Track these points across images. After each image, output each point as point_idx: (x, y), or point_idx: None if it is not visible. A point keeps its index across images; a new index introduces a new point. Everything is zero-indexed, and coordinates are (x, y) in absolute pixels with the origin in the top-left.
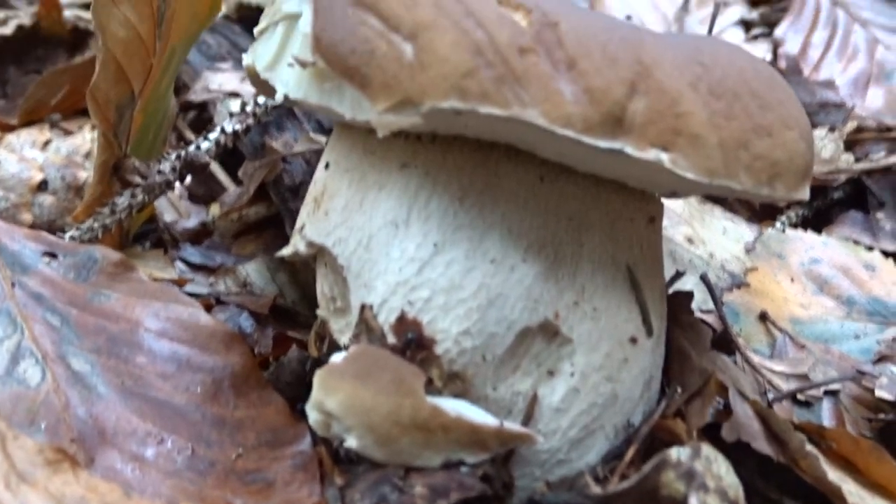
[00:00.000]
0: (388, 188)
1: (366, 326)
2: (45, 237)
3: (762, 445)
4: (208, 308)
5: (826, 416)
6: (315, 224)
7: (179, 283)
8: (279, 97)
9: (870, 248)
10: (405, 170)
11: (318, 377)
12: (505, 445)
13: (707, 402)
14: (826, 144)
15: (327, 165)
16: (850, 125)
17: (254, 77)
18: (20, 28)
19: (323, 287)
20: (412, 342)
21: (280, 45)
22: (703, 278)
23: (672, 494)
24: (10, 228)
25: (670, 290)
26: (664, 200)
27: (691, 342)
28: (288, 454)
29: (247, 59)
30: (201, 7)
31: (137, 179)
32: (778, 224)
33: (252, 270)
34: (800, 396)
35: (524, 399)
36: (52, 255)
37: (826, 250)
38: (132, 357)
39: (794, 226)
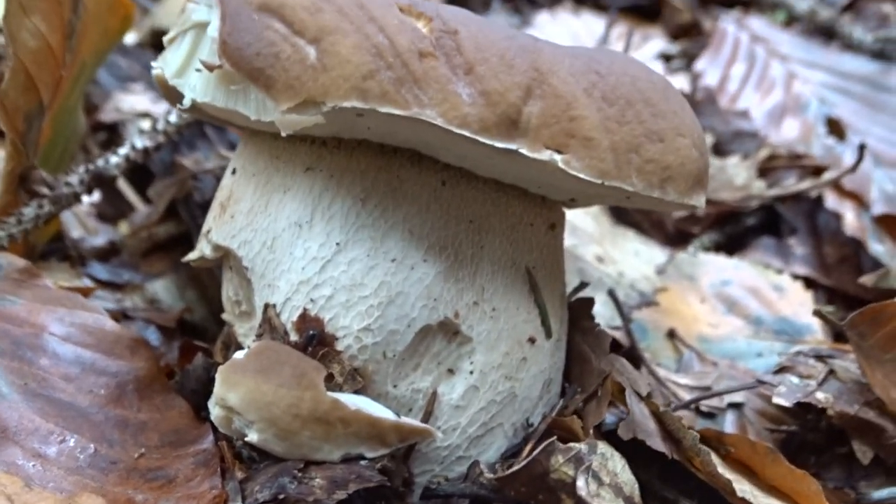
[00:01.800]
0: (293, 191)
1: (269, 325)
2: None
3: (657, 443)
4: (115, 319)
5: (729, 426)
6: (221, 227)
7: (85, 291)
8: (187, 102)
9: (780, 272)
10: (310, 173)
11: (220, 373)
12: (404, 440)
13: (603, 401)
14: (739, 172)
15: (234, 171)
16: (763, 153)
17: (163, 85)
18: None
19: (228, 291)
20: (314, 339)
21: (189, 52)
22: (611, 294)
23: (561, 478)
24: None
25: (573, 299)
26: (577, 221)
27: (591, 346)
28: (190, 452)
29: (156, 67)
30: (112, 22)
31: (45, 190)
32: (691, 248)
33: (160, 288)
34: (704, 408)
35: (424, 396)
36: None
37: (737, 273)
38: (36, 360)
39: (707, 250)
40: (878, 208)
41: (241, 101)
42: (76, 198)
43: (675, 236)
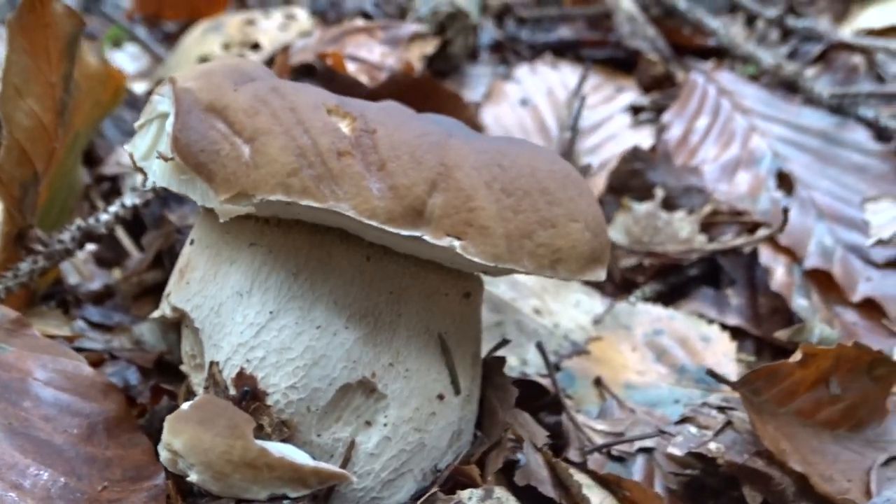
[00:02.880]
0: (238, 263)
1: (213, 380)
2: None
3: (548, 490)
4: (101, 362)
5: (638, 470)
6: (178, 292)
7: (71, 339)
8: (149, 184)
9: (711, 322)
10: (252, 248)
11: (168, 421)
12: (323, 483)
13: (502, 451)
14: (684, 226)
15: (192, 241)
16: (707, 209)
17: (134, 164)
18: None
19: (185, 346)
20: (247, 394)
21: (153, 139)
22: (539, 346)
23: None
24: None
25: (489, 356)
26: (520, 277)
27: (499, 400)
28: (145, 487)
29: (128, 148)
30: (104, 96)
31: (39, 247)
32: (632, 298)
33: (146, 330)
34: (615, 452)
35: (344, 444)
36: None
37: (670, 322)
38: (20, 402)
39: (648, 299)
40: (812, 262)
41: (190, 189)
42: (68, 253)
43: (622, 285)
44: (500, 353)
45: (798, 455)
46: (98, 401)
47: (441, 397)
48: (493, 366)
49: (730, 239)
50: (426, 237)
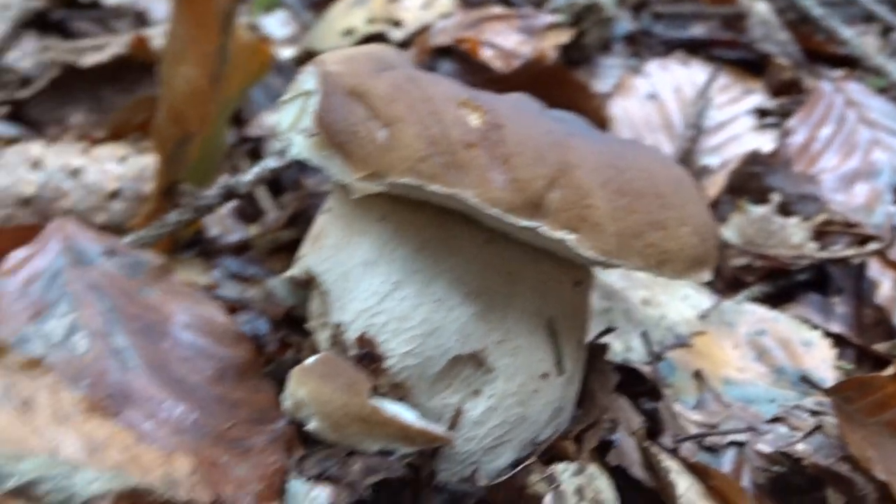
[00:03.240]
0: (368, 235)
1: (337, 340)
2: (107, 239)
3: (637, 471)
4: (235, 310)
5: (727, 462)
6: (311, 256)
7: (209, 287)
8: (291, 155)
9: (814, 327)
10: (382, 222)
11: (294, 373)
12: (429, 444)
13: (598, 431)
14: (796, 232)
15: (327, 210)
16: (821, 218)
17: (278, 133)
18: (115, 56)
19: (313, 305)
20: (367, 356)
21: (297, 114)
22: (644, 335)
23: (534, 494)
24: (81, 229)
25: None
26: None
27: (600, 383)
28: (268, 430)
29: (274, 119)
30: (252, 67)
31: (186, 201)
32: (740, 297)
33: (278, 284)
34: (707, 443)
35: (451, 410)
36: (111, 254)
37: (774, 324)
38: (160, 342)
39: (755, 300)
40: None
41: (328, 164)
42: (210, 208)
43: (731, 283)
44: (604, 339)
45: (883, 464)
46: (230, 346)
47: (545, 376)
48: (596, 351)
49: (840, 249)
50: (543, 229)
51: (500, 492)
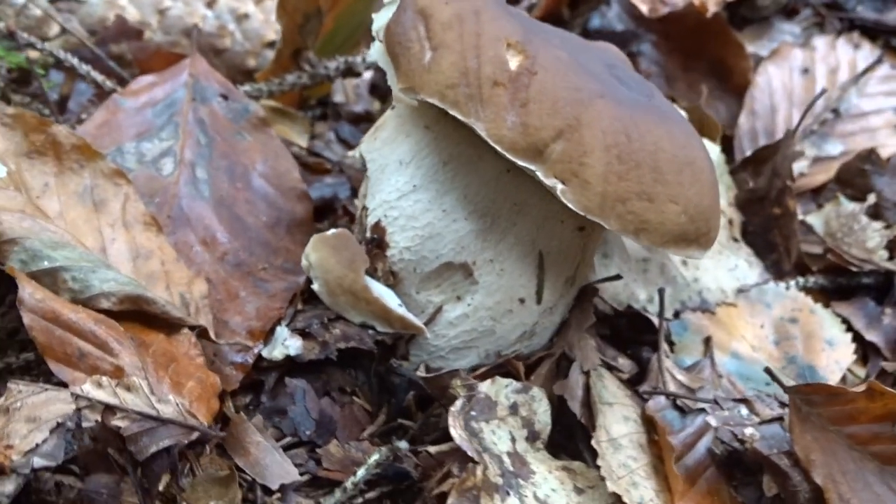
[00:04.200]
0: (411, 138)
1: (361, 221)
2: (226, 83)
3: (575, 406)
4: (327, 171)
5: (693, 425)
6: (367, 143)
7: (306, 149)
8: (369, 57)
9: (850, 330)
10: (425, 129)
11: (313, 238)
12: (405, 329)
13: (554, 361)
14: (874, 236)
15: (392, 107)
16: None
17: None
18: None
19: (363, 186)
20: (374, 241)
21: (385, 21)
22: (660, 291)
23: (453, 394)
24: (208, 70)
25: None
26: None
27: (576, 322)
28: (289, 280)
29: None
30: None
31: (307, 68)
32: (792, 282)
33: (357, 156)
34: (681, 404)
35: (433, 307)
36: (226, 97)
37: (809, 315)
38: (235, 182)
39: (807, 289)
40: None
41: (387, 69)
42: (330, 78)
43: (798, 267)
44: (636, 288)
45: (826, 470)
46: (292, 201)
47: (522, 301)
48: (586, 292)
49: None
50: (538, 173)
51: (430, 385)
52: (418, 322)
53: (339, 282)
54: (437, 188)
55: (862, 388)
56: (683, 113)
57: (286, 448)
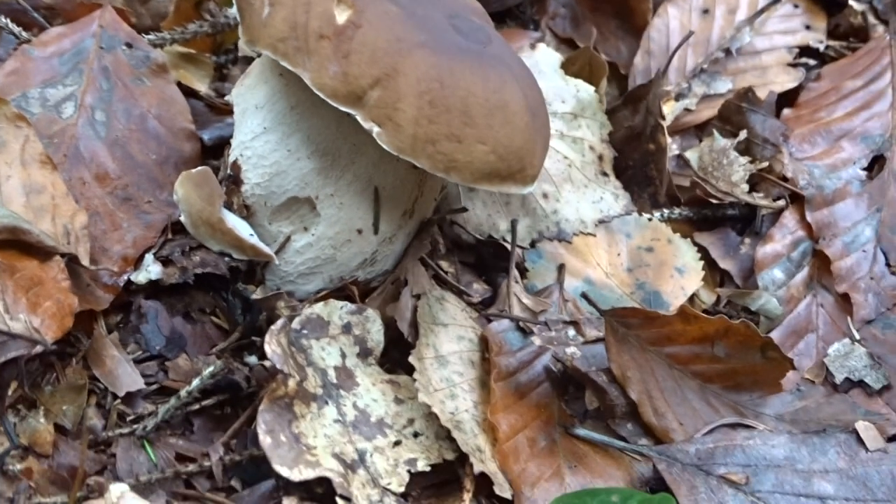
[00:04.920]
0: (267, 84)
1: (224, 160)
2: (132, 33)
3: (404, 326)
4: (223, 112)
5: (534, 344)
6: (237, 88)
7: (214, 90)
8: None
9: (702, 258)
10: (279, 77)
11: (181, 176)
12: (257, 256)
13: (388, 286)
14: (738, 171)
15: (258, 55)
16: (764, 164)
17: None
18: None
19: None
20: (231, 178)
21: None
22: (512, 223)
23: (278, 314)
24: (116, 21)
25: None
26: (550, 166)
27: (414, 251)
28: (168, 212)
29: None
30: None
31: (207, 17)
32: (657, 214)
33: None
34: (522, 325)
35: (283, 236)
36: (130, 46)
37: (665, 244)
38: (130, 123)
39: (672, 220)
40: (832, 250)
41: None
42: (230, 27)
43: (669, 200)
44: (497, 219)
45: (641, 386)
46: (181, 141)
47: (360, 231)
48: (426, 225)
49: (762, 197)
50: (358, 117)
51: (262, 305)
52: (268, 250)
53: (199, 214)
54: (284, 130)
55: (674, 312)
56: (560, 56)
57: (139, 361)
